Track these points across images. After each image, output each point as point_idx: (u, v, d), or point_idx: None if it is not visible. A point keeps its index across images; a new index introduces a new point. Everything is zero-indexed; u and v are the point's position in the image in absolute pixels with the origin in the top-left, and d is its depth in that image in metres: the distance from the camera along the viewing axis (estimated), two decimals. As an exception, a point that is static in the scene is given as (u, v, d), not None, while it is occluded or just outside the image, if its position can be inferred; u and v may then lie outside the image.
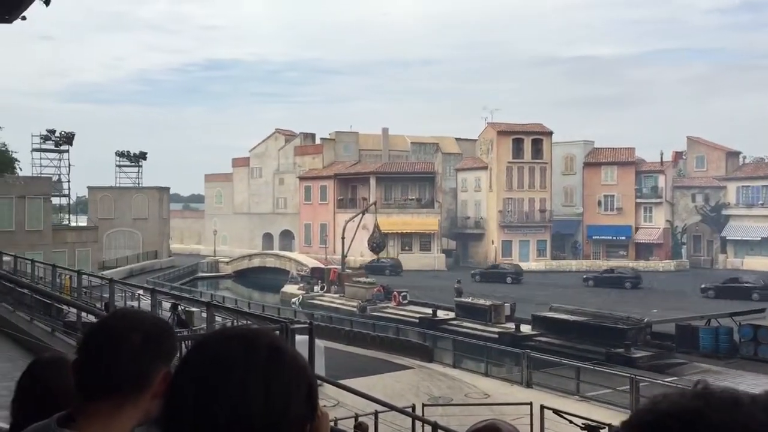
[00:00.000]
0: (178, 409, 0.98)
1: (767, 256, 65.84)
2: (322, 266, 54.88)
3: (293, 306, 45.09)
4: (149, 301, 13.69)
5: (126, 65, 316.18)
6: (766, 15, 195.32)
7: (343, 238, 51.98)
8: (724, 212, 69.12)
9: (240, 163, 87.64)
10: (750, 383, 23.30)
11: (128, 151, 73.37)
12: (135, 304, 19.34)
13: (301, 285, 51.56)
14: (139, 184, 72.21)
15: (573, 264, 68.28)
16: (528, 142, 69.62)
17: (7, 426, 1.83)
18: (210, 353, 1.01)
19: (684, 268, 67.15)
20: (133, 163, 73.17)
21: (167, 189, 74.54)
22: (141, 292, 19.74)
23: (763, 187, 67.46)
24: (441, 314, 38.15)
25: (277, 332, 6.41)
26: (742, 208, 68.33)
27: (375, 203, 60.68)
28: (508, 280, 56.50)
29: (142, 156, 73.65)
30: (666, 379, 22.39)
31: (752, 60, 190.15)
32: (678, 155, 75.40)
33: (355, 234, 53.72)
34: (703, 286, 47.92)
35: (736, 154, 74.39)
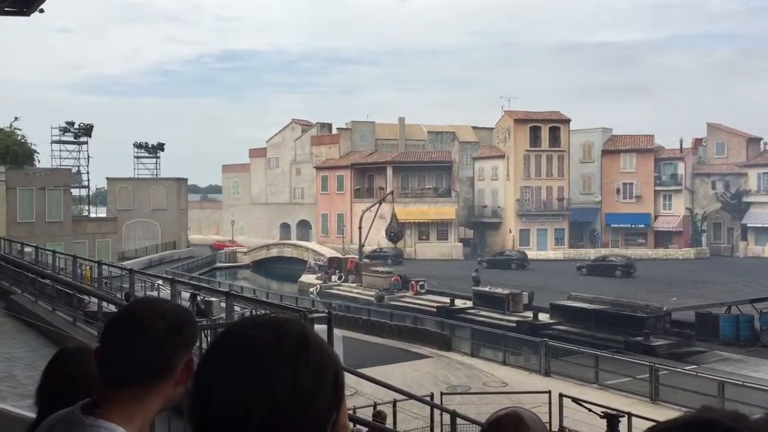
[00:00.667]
0: (207, 392, 0.99)
1: (789, 244, 65.11)
2: (340, 256, 54.99)
3: (311, 295, 45.25)
4: (169, 291, 13.80)
5: (143, 57, 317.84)
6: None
7: (360, 227, 52.03)
8: (745, 199, 68.33)
9: (257, 153, 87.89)
10: (771, 372, 23.09)
11: (146, 143, 73.85)
12: (155, 294, 19.52)
13: (319, 275, 51.71)
14: (157, 175, 72.66)
15: (591, 252, 67.83)
16: (545, 130, 69.14)
17: (32, 414, 1.86)
18: (241, 339, 1.02)
19: (704, 255, 66.57)
20: (151, 155, 73.63)
21: (185, 180, 74.95)
22: (160, 282, 19.91)
23: (785, 174, 66.61)
24: (459, 303, 38.12)
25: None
26: (764, 195, 67.51)
27: (392, 193, 60.64)
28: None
29: (160, 147, 74.08)
30: (686, 368, 22.25)
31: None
32: (698, 142, 74.60)
33: (372, 224, 53.76)
34: (578, 265, 54.79)
35: (758, 140, 73.43)
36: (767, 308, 29.27)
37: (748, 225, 68.20)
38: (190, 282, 30.47)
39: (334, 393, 1.02)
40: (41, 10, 9.55)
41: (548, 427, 13.69)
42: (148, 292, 19.30)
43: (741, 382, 19.18)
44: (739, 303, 30.23)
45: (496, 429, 1.96)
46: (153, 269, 49.04)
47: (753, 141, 72.73)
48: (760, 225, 67.19)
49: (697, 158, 73.17)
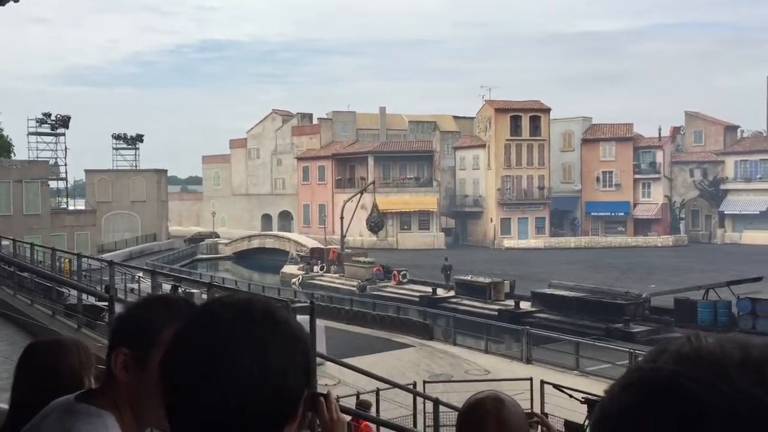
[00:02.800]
0: (178, 376, 0.99)
1: (766, 230, 66.01)
2: (322, 246, 54.96)
3: (293, 286, 45.18)
4: (149, 283, 13.72)
5: (122, 47, 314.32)
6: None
7: (342, 218, 52.00)
8: (723, 187, 69.16)
9: (237, 144, 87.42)
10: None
11: (125, 134, 73.20)
12: (135, 286, 19.40)
13: (301, 265, 51.65)
14: (136, 166, 72.07)
15: (572, 241, 68.43)
16: (526, 119, 69.41)
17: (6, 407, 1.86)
18: (209, 320, 1.01)
19: (682, 243, 67.34)
20: (130, 146, 73.00)
21: (165, 171, 74.39)
22: (141, 274, 19.77)
23: (761, 161, 67.44)
24: (441, 292, 38.30)
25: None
26: (741, 182, 68.36)
27: (373, 183, 60.58)
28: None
29: (139, 138, 73.45)
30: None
31: (752, 34, 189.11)
32: (676, 130, 75.26)
33: (353, 214, 53.73)
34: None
35: (735, 128, 74.23)
36: (744, 294, 29.71)
37: (725, 212, 69.06)
38: (171, 274, 30.30)
39: (304, 372, 1.01)
40: (16, 0, 9.40)
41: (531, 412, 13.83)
42: (129, 285, 19.17)
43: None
44: (716, 286, 30.66)
45: (478, 410, 1.99)
46: (133, 261, 48.68)
47: (730, 129, 73.52)
48: (737, 212, 68.07)
49: (675, 146, 73.85)
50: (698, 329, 28.07)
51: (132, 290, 18.43)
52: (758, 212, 66.33)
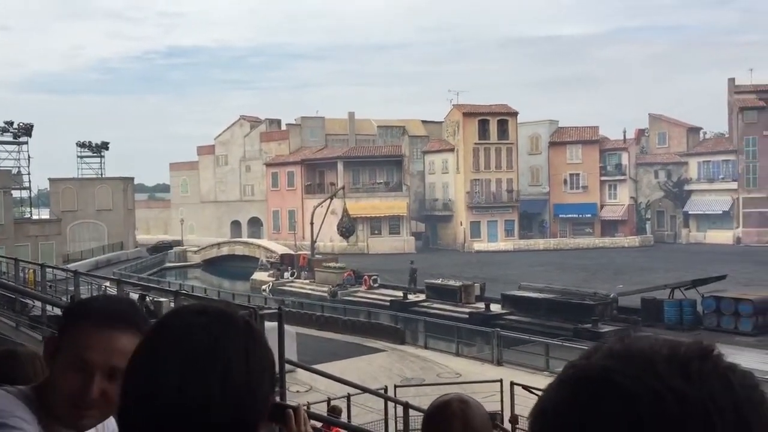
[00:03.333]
0: (155, 382, 0.97)
1: (728, 229, 67.36)
2: (292, 252, 54.72)
3: (264, 293, 44.90)
4: (115, 293, 13.54)
5: (86, 54, 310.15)
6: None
7: (312, 223, 51.84)
8: (686, 187, 70.44)
9: (205, 151, 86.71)
10: (713, 353, 23.86)
11: (90, 142, 72.16)
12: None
13: (271, 272, 51.36)
14: (102, 174, 71.07)
15: (541, 243, 69.09)
16: (494, 123, 69.97)
17: None
18: (186, 329, 1.01)
19: (648, 243, 68.39)
20: (95, 154, 71.98)
21: (131, 179, 73.50)
22: (107, 283, 19.50)
23: (723, 162, 68.84)
24: (412, 296, 38.37)
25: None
26: (704, 183, 69.69)
27: (343, 188, 60.56)
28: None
29: (104, 146, 72.47)
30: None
31: (711, 37, 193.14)
32: (640, 132, 76.49)
33: (324, 219, 53.60)
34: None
35: (697, 129, 75.67)
36: (709, 293, 30.26)
37: (689, 212, 70.32)
38: (139, 283, 29.91)
39: (270, 383, 1.03)
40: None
41: (501, 415, 13.93)
42: (95, 294, 18.91)
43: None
44: (681, 285, 31.18)
45: (444, 412, 2.02)
46: (100, 271, 47.96)
47: (693, 130, 74.93)
48: (701, 212, 69.36)
49: (640, 148, 75.04)
50: (665, 328, 28.58)
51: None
52: (721, 212, 67.68)
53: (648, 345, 0.71)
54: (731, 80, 69.51)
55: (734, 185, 67.18)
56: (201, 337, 0.99)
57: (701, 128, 76.46)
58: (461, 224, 69.47)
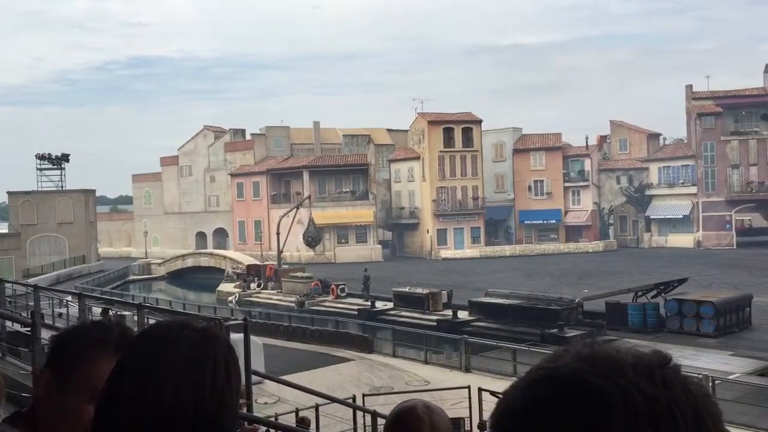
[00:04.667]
0: (122, 389, 1.03)
1: (689, 233, 68.69)
2: (258, 263, 54.34)
3: (230, 304, 44.50)
4: (77, 307, 13.30)
5: (46, 65, 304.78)
6: (681, 1, 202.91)
7: (278, 233, 51.55)
8: (648, 192, 71.68)
9: (169, 161, 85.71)
10: (676, 355, 24.25)
11: (49, 154, 70.81)
12: (63, 311, 18.76)
13: (238, 283, 50.92)
14: (62, 187, 69.79)
15: (507, 249, 69.64)
16: (458, 131, 70.46)
17: None
18: (169, 341, 1.07)
19: (612, 248, 69.39)
20: (55, 166, 70.65)
21: (93, 191, 72.32)
22: (69, 298, 19.13)
23: (683, 167, 70.23)
24: (379, 305, 38.34)
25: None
26: (664, 188, 70.99)
27: (309, 197, 60.36)
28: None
29: (65, 158, 71.18)
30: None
31: (670, 45, 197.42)
32: (602, 139, 77.65)
33: (290, 229, 53.34)
34: None
35: (657, 135, 77.11)
36: (672, 296, 30.79)
37: (651, 217, 71.56)
38: (102, 297, 29.40)
39: (238, 398, 1.09)
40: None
41: (470, 420, 13.98)
42: (57, 310, 18.52)
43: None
44: (644, 288, 31.68)
45: (410, 415, 2.03)
46: (62, 285, 47.04)
47: (653, 137, 76.33)
48: (662, 216, 70.63)
49: (602, 154, 76.17)
50: (629, 331, 29.00)
51: (60, 315, 17.81)
52: (681, 216, 68.99)
53: (614, 351, 0.75)
54: (689, 87, 71.02)
55: (693, 190, 68.56)
56: (189, 346, 1.06)
57: (661, 134, 78.00)
58: (428, 232, 69.72)
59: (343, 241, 68.63)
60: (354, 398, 14.20)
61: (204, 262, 63.59)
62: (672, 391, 0.71)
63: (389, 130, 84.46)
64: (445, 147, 69.74)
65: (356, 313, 37.32)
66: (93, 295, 25.19)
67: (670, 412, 0.69)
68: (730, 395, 18.62)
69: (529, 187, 73.77)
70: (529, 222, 73.10)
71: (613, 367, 0.72)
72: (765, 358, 23.76)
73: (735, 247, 64.87)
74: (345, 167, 71.52)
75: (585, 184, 72.72)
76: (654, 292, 31.70)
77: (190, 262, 64.91)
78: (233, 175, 77.06)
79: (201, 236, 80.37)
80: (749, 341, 26.94)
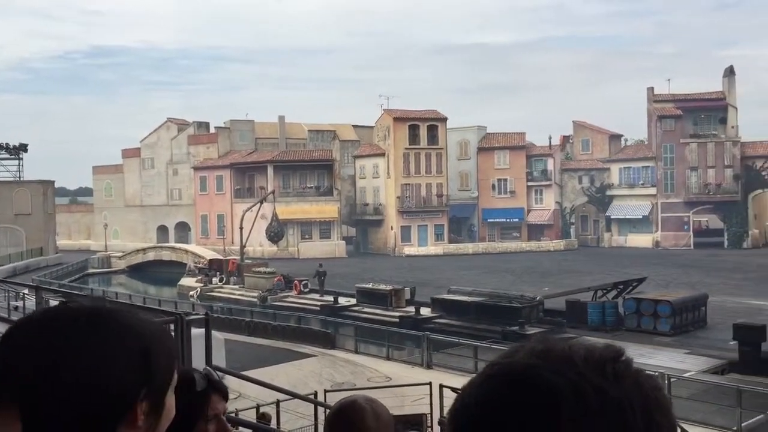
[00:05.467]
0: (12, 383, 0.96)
1: (648, 233, 69.99)
2: (221, 257, 53.85)
3: (191, 299, 44.04)
4: (34, 301, 13.03)
5: (4, 53, 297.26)
6: (644, 4, 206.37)
7: (241, 228, 51.14)
8: (609, 192, 72.83)
9: (130, 153, 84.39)
10: (634, 353, 24.72)
11: (7, 143, 69.17)
12: (20, 304, 18.35)
13: (199, 277, 50.40)
14: (20, 178, 68.26)
15: (470, 247, 70.15)
16: (424, 128, 70.70)
17: None
18: (30, 327, 1.01)
19: (573, 247, 70.36)
20: (12, 156, 69.06)
21: (52, 182, 70.88)
22: (26, 291, 18.73)
23: (643, 168, 71.50)
24: (342, 301, 38.32)
25: (170, 323, 6.25)
26: (625, 188, 72.20)
27: (273, 192, 60.04)
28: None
29: (23, 148, 69.63)
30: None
31: (633, 47, 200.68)
32: (565, 139, 78.65)
33: (253, 224, 52.96)
34: None
35: (618, 137, 78.37)
36: (630, 295, 31.34)
37: (611, 217, 72.73)
38: (59, 290, 28.85)
39: (137, 372, 0.98)
40: None
41: (431, 417, 14.06)
42: (12, 303, 18.11)
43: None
44: (604, 287, 32.18)
45: (353, 407, 2.06)
46: (19, 278, 46.00)
47: (614, 138, 77.57)
48: (622, 216, 71.85)
49: (565, 154, 77.15)
50: (589, 329, 29.45)
51: (16, 308, 17.42)
52: (641, 216, 70.26)
53: (567, 346, 0.79)
54: (650, 89, 72.28)
55: (653, 191, 69.86)
56: (40, 336, 0.98)
57: (622, 135, 79.31)
58: (392, 229, 69.84)
59: (306, 236, 68.39)
60: (315, 394, 14.18)
61: (165, 256, 62.78)
62: (622, 385, 0.74)
63: (355, 126, 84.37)
64: (410, 144, 69.92)
65: (319, 309, 37.24)
66: (50, 288, 24.69)
67: (620, 405, 0.72)
68: (685, 393, 19.05)
69: (493, 186, 74.38)
70: (492, 220, 73.72)
71: (565, 361, 0.75)
72: (719, 357, 24.34)
73: (692, 247, 66.30)
74: (310, 162, 71.24)
75: (548, 183, 73.57)
76: (614, 292, 32.22)
77: (151, 256, 64.04)
78: (196, 169, 76.20)
79: (162, 230, 79.32)
80: (704, 340, 27.55)
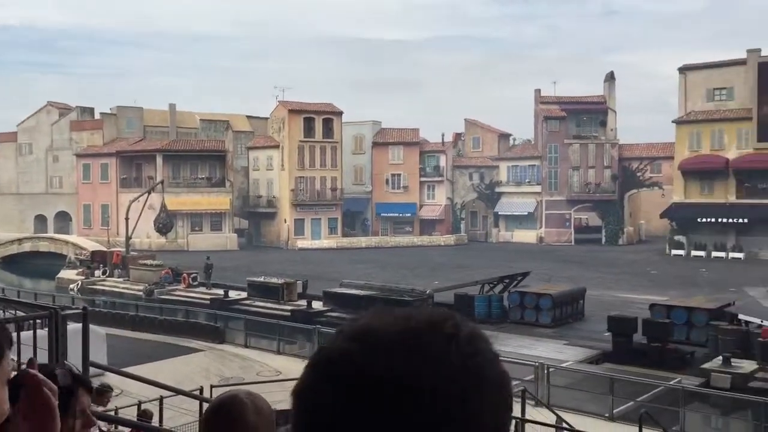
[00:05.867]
0: None
1: (532, 229, 72.89)
2: (104, 249, 51.64)
3: (71, 292, 42.05)
4: None
5: None
6: (534, 8, 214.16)
7: (127, 219, 49.19)
8: (497, 190, 75.30)
9: (6, 138, 79.34)
10: (516, 344, 25.79)
11: None
12: None
13: (81, 270, 48.12)
14: None
15: (363, 241, 70.67)
16: (319, 121, 70.52)
17: None
18: None
19: (463, 242, 72.30)
20: None
21: None
22: None
23: (530, 167, 74.35)
24: (233, 294, 37.68)
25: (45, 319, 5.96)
26: (512, 186, 74.85)
27: (162, 182, 58.07)
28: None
29: None
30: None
31: (522, 50, 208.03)
32: (457, 136, 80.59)
33: (140, 215, 51.04)
34: None
35: (507, 136, 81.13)
36: (515, 289, 32.55)
37: (499, 213, 75.25)
38: None
39: None
40: None
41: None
42: None
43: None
44: (490, 281, 33.25)
45: (234, 400, 2.04)
46: None
47: (503, 136, 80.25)
48: (509, 213, 74.49)
49: (456, 151, 79.04)
50: (475, 322, 30.35)
51: None
52: (526, 213, 73.08)
53: (382, 323, 0.78)
54: (537, 91, 75.18)
55: (538, 188, 72.79)
56: None
57: (511, 134, 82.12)
58: (285, 222, 69.30)
59: (197, 228, 66.71)
60: (201, 390, 13.88)
61: (43, 247, 59.50)
62: (433, 360, 0.73)
63: (249, 117, 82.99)
64: (305, 137, 69.55)
65: (208, 302, 36.45)
66: None
67: (440, 385, 0.71)
68: (563, 382, 20.02)
69: (387, 181, 75.22)
70: (385, 214, 74.56)
71: (377, 343, 0.75)
72: (594, 347, 25.71)
73: (573, 243, 69.64)
74: (201, 153, 69.48)
75: (440, 179, 75.18)
76: (500, 286, 33.36)
77: (27, 247, 60.53)
78: (79, 156, 72.62)
79: (41, 219, 75.14)
80: (582, 331, 29.02)
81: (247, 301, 36.16)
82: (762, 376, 20.85)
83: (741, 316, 26.08)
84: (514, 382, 17.71)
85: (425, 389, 0.71)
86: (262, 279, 38.41)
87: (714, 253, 57.46)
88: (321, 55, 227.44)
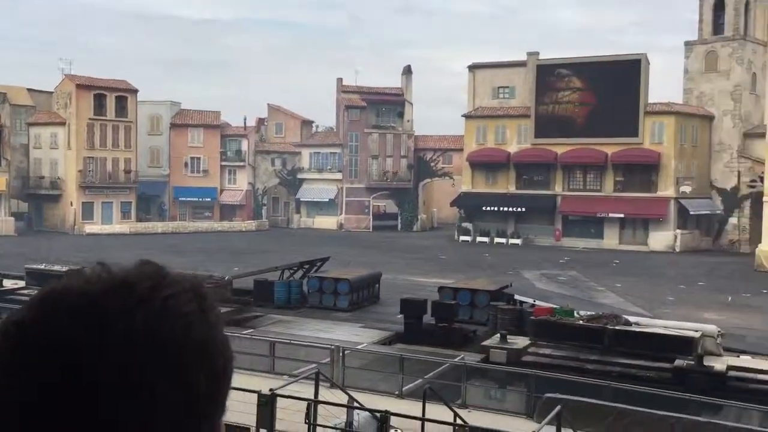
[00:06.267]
0: None
1: (333, 216, 74.33)
2: None
3: None
4: None
5: None
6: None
7: None
8: (299, 176, 75.77)
9: None
10: (314, 328, 26.25)
11: None
12: None
13: None
14: None
15: (159, 226, 67.78)
16: (111, 98, 66.35)
17: None
18: None
19: (264, 228, 71.94)
20: None
21: None
22: None
23: (331, 154, 75.61)
24: (8, 283, 34.47)
25: None
26: (314, 173, 75.70)
27: None
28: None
29: None
30: (243, 332, 23.84)
31: (326, 38, 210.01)
32: (260, 121, 79.79)
33: None
34: None
35: (310, 123, 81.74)
36: (315, 274, 33.02)
37: (301, 199, 75.80)
38: None
39: None
40: None
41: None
42: None
43: (289, 341, 21.42)
44: (290, 267, 33.44)
45: None
46: None
47: (306, 123, 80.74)
48: (311, 199, 75.31)
49: (259, 136, 78.27)
50: (275, 307, 30.43)
51: None
52: (327, 200, 74.35)
53: (64, 290, 0.75)
54: (339, 80, 76.51)
55: (339, 176, 74.29)
56: None
57: (314, 121, 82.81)
58: (72, 205, 64.50)
59: (-34, 211, 60.00)
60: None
61: None
62: (115, 328, 0.71)
63: (30, 91, 75.78)
64: (95, 115, 65.11)
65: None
66: None
67: (110, 352, 0.70)
68: (358, 363, 20.74)
69: (186, 164, 72.70)
70: (184, 199, 72.09)
71: (54, 312, 0.73)
72: (388, 329, 26.88)
73: (371, 229, 72.03)
74: (-28, 127, 62.46)
75: (241, 164, 74.06)
76: (300, 271, 33.66)
77: None
78: None
79: None
80: (377, 314, 30.17)
81: (26, 291, 33.24)
82: (533, 351, 23.10)
83: (516, 297, 28.65)
84: (310, 366, 18.07)
85: (94, 357, 0.70)
86: (43, 267, 35.47)
87: (496, 239, 62.37)
88: (115, 29, 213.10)
